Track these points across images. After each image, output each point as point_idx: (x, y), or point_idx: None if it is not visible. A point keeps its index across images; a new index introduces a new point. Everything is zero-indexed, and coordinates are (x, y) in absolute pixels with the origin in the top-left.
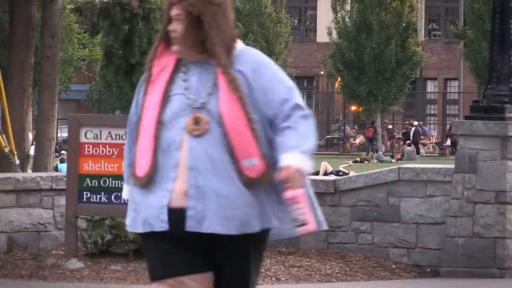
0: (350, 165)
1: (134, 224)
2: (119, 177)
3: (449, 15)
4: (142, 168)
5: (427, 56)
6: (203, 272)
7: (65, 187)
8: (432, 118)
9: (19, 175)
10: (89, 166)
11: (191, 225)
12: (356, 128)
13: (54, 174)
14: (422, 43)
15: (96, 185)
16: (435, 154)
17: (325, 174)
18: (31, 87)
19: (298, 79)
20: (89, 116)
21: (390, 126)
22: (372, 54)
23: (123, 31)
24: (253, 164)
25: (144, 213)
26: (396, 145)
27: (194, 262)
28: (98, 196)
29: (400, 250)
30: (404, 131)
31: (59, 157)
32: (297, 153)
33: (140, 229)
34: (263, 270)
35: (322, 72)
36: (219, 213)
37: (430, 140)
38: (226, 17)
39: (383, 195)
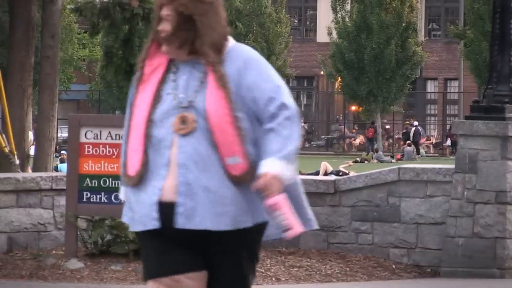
0: (350, 165)
1: (131, 223)
2: (119, 177)
3: (449, 15)
4: (134, 166)
5: (427, 56)
6: (199, 270)
7: (65, 187)
8: (432, 118)
9: (19, 175)
10: (89, 166)
11: (180, 222)
12: (356, 128)
13: (54, 174)
14: (422, 43)
15: (96, 185)
16: (432, 154)
17: (325, 174)
18: (31, 87)
19: (298, 79)
20: (89, 116)
21: (387, 126)
22: (372, 54)
23: (123, 31)
24: (236, 162)
25: (137, 212)
26: (397, 145)
27: (190, 260)
28: (98, 196)
29: (400, 250)
30: (404, 131)
31: (59, 157)
32: (275, 159)
33: (136, 228)
34: (263, 270)
35: (322, 72)
36: (209, 209)
37: (429, 140)
38: (218, 16)
39: (383, 195)
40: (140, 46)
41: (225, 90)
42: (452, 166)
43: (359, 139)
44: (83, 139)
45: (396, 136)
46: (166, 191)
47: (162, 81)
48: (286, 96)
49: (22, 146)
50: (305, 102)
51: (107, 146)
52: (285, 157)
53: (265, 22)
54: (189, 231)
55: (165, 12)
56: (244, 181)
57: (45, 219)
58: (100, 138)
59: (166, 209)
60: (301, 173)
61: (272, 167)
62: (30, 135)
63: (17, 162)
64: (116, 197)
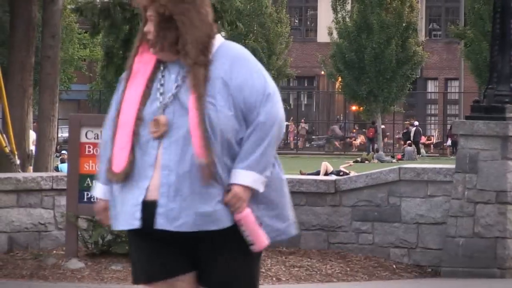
0: (350, 165)
1: (114, 221)
2: None
3: (449, 15)
4: (119, 164)
5: (428, 56)
6: (189, 271)
7: (65, 187)
8: (432, 118)
9: (20, 175)
10: (89, 166)
11: (160, 223)
12: (357, 128)
13: (55, 174)
14: (423, 43)
15: None
16: (432, 154)
17: (326, 174)
18: (31, 87)
19: (298, 79)
20: (89, 116)
21: (383, 126)
22: (373, 54)
23: (124, 31)
24: (201, 163)
25: (122, 210)
26: (397, 145)
27: (180, 262)
28: None
29: (400, 250)
30: (404, 131)
31: (60, 157)
32: (246, 169)
33: (120, 227)
34: (263, 270)
35: (322, 72)
36: (190, 211)
37: (430, 140)
38: (200, 14)
39: (383, 195)
40: None
41: (197, 91)
42: (453, 166)
43: (360, 139)
44: (83, 139)
45: (397, 136)
46: (151, 191)
47: (151, 79)
48: (272, 99)
49: (23, 146)
50: (305, 102)
51: None
52: (257, 166)
53: (266, 22)
54: (171, 232)
55: (148, 13)
56: (209, 184)
57: (46, 219)
58: (101, 138)
59: (149, 209)
60: (301, 173)
61: (243, 178)
62: (33, 135)
63: (18, 162)
64: None
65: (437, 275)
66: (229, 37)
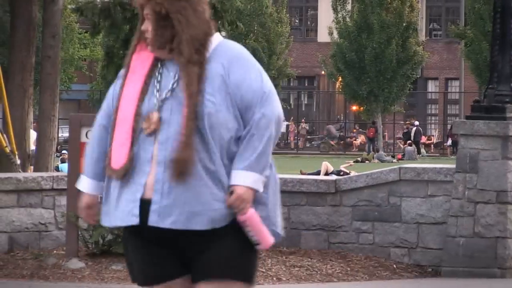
0: (351, 165)
1: (106, 217)
2: None
3: (450, 15)
4: (119, 160)
5: (428, 56)
6: (186, 274)
7: (66, 187)
8: (433, 118)
9: (20, 175)
10: None
11: (153, 220)
12: (357, 128)
13: (55, 174)
14: (423, 43)
15: None
16: (433, 154)
17: (326, 174)
18: (32, 87)
19: (299, 79)
20: (90, 116)
21: (380, 126)
22: (373, 54)
23: (124, 31)
24: (173, 158)
25: (118, 207)
26: (397, 144)
27: (177, 265)
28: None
29: (401, 250)
30: (405, 131)
31: (60, 157)
32: (246, 169)
33: (113, 223)
34: (264, 270)
35: (323, 72)
36: (184, 209)
37: (430, 139)
38: (197, 12)
39: (384, 195)
40: None
41: (188, 90)
42: (453, 166)
43: (360, 139)
44: (84, 139)
45: (397, 136)
46: (147, 188)
47: (149, 76)
48: (269, 99)
49: (23, 146)
50: (306, 102)
51: None
52: (257, 166)
53: (266, 22)
54: (164, 229)
55: (145, 11)
56: (183, 182)
57: (46, 219)
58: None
59: (144, 206)
60: (302, 173)
61: (244, 179)
62: (34, 134)
63: (18, 162)
64: None
65: (437, 275)
66: (230, 37)
